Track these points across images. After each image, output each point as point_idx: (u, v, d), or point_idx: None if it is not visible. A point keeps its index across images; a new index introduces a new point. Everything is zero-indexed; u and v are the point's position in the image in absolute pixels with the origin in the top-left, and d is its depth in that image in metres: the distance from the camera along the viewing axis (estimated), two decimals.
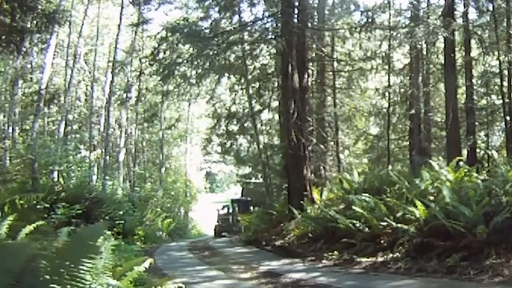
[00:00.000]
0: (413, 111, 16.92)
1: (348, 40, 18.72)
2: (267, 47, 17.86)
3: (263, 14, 15.61)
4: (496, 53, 14.43)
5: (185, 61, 15.39)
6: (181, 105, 34.44)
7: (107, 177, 20.37)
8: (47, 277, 2.98)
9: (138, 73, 24.67)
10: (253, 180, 29.48)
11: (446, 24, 12.64)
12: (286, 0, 13.81)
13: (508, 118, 14.07)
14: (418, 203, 8.07)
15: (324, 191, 14.50)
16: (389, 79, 18.14)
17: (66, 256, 3.11)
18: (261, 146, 19.94)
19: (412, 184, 9.83)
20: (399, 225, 8.32)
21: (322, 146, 17.21)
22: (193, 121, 36.13)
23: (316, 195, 14.06)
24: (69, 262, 3.03)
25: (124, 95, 25.27)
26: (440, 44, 15.99)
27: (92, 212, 14.78)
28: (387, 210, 9.17)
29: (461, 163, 10.05)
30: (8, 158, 16.81)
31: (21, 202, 10.09)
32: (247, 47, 17.22)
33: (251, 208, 23.67)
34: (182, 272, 8.87)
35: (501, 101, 14.78)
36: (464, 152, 15.11)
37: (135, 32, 24.23)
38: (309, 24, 15.17)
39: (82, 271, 3.06)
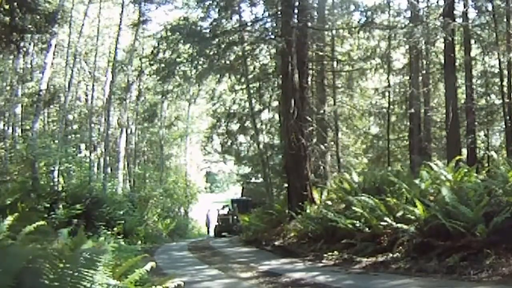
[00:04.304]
0: (412, 111, 16.92)
1: (348, 40, 18.73)
2: (267, 47, 17.84)
3: (263, 14, 15.64)
4: (496, 53, 14.43)
5: (185, 60, 15.40)
6: (181, 105, 34.43)
7: (107, 177, 20.37)
8: (51, 278, 3.00)
9: (138, 73, 24.67)
10: (253, 180, 29.44)
11: (446, 24, 12.64)
12: (286, 0, 13.81)
13: (508, 118, 14.07)
14: (418, 203, 8.07)
15: (324, 191, 14.49)
16: (388, 78, 18.14)
17: (70, 265, 3.15)
18: (261, 146, 19.94)
19: (411, 184, 9.83)
20: (399, 225, 8.32)
21: (322, 146, 17.20)
22: (193, 121, 36.13)
23: (316, 195, 14.06)
24: (72, 271, 3.08)
25: (124, 95, 25.26)
26: (440, 44, 16.00)
27: (92, 212, 14.79)
28: (387, 210, 9.17)
29: (460, 163, 10.05)
30: (8, 158, 16.81)
31: (22, 205, 10.13)
32: (247, 47, 17.21)
33: (251, 208, 23.67)
34: (183, 272, 8.88)
35: (501, 101, 14.78)
36: (464, 152, 15.12)
37: (136, 32, 24.23)
38: (309, 24, 15.17)
39: (84, 280, 3.11)
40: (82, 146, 26.18)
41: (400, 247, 8.22)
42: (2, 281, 2.92)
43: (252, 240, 15.03)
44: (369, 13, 13.70)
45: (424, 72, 18.13)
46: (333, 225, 10.21)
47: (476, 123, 15.85)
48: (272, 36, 15.41)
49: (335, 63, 18.88)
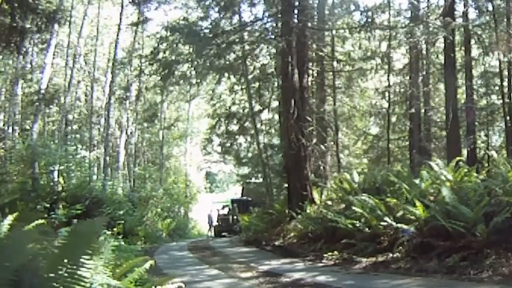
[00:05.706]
0: (412, 111, 16.93)
1: (348, 40, 18.72)
2: (267, 47, 17.83)
3: (263, 14, 15.61)
4: (496, 53, 14.44)
5: (185, 60, 15.38)
6: (181, 105, 34.45)
7: (107, 177, 20.37)
8: (49, 275, 2.99)
9: (138, 73, 24.67)
10: (253, 180, 29.45)
11: (446, 24, 12.64)
12: (286, 0, 13.81)
13: (508, 118, 14.08)
14: (418, 203, 8.06)
15: (324, 191, 14.48)
16: (389, 79, 18.14)
17: (64, 254, 3.10)
18: (261, 146, 19.93)
19: (412, 184, 9.82)
20: (399, 225, 8.32)
21: (322, 146, 17.19)
22: (193, 121, 36.14)
23: (316, 195, 14.05)
24: (67, 260, 3.03)
25: (124, 94, 25.26)
26: (440, 44, 16.01)
27: (92, 212, 14.78)
28: (387, 210, 9.16)
29: (461, 163, 10.04)
30: (8, 158, 16.82)
31: (22, 205, 10.13)
32: (247, 47, 17.20)
33: (251, 208, 23.68)
34: (183, 272, 8.88)
35: (501, 101, 14.79)
36: (464, 152, 15.12)
37: (135, 32, 24.23)
38: (309, 24, 15.16)
39: (81, 269, 3.06)
40: (82, 146, 26.18)
41: (400, 247, 8.21)
42: (2, 280, 2.92)
43: (252, 240, 15.03)
44: (369, 13, 13.69)
45: (424, 72, 18.14)
46: (333, 225, 10.20)
47: (476, 123, 15.86)
48: (272, 36, 15.39)
49: (335, 63, 18.86)
